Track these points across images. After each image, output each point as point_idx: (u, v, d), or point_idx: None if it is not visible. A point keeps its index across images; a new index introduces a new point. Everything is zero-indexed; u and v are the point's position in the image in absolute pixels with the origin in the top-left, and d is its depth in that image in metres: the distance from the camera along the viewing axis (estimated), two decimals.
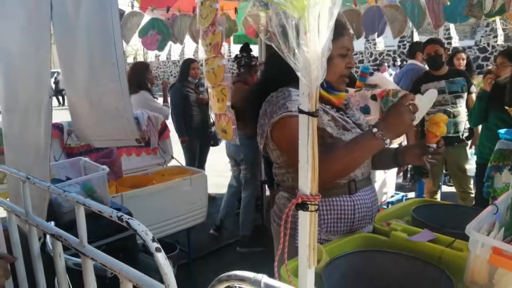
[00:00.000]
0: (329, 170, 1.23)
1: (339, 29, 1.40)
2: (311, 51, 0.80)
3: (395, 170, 3.73)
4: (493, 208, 1.17)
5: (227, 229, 3.94)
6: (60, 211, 1.95)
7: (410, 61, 4.68)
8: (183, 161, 4.27)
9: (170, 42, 4.10)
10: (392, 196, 3.73)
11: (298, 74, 0.81)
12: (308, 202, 0.89)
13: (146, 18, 3.96)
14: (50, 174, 1.99)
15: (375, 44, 15.72)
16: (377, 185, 3.45)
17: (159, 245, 0.78)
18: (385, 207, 3.48)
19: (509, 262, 0.94)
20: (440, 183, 4.21)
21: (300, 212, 0.91)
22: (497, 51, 11.89)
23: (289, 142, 1.27)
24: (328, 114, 1.40)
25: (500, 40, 12.94)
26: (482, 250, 1.00)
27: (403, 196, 3.85)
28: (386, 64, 11.54)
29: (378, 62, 13.12)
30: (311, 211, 0.90)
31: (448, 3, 2.54)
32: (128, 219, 0.83)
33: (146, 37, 3.94)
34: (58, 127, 2.90)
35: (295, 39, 0.79)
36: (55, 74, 16.22)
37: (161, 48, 3.90)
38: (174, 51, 23.61)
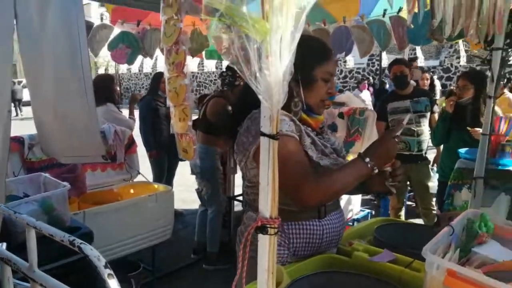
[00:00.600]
0: (327, 191, 1.27)
1: (326, 54, 1.42)
2: (273, 74, 0.80)
3: None
4: (449, 230, 1.19)
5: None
6: (14, 230, 1.86)
7: None
8: (150, 176, 4.19)
9: (140, 56, 4.07)
10: (358, 213, 3.78)
11: (260, 97, 0.82)
12: (268, 226, 0.89)
13: (116, 31, 3.91)
14: (7, 190, 1.92)
15: (345, 61, 16.10)
16: (342, 202, 3.48)
17: (111, 272, 0.75)
18: (351, 224, 3.52)
19: (463, 284, 0.96)
20: (405, 200, 4.30)
21: (260, 236, 0.90)
22: (460, 71, 12.40)
23: (283, 159, 1.18)
24: (310, 137, 1.40)
25: (463, 61, 13.52)
26: (437, 272, 1.01)
27: (368, 212, 3.90)
28: (366, 81, 11.74)
29: (358, 79, 13.39)
30: (270, 234, 0.89)
31: (412, 26, 2.63)
32: (81, 243, 0.80)
33: (115, 50, 3.89)
34: (19, 141, 2.79)
35: (257, 63, 0.79)
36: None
37: (130, 61, 3.85)
38: (147, 64, 23.41)
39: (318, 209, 1.43)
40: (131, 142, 3.38)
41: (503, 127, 2.82)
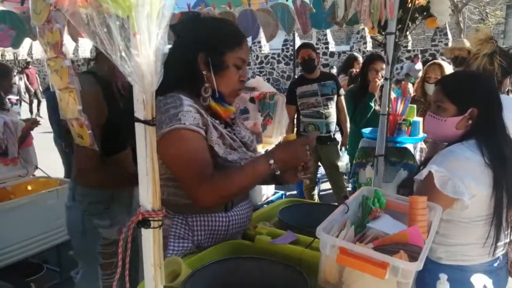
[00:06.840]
0: (223, 193, 1.24)
1: (238, 39, 1.35)
2: (142, 54, 0.73)
3: None
4: (343, 208, 1.23)
5: None
6: None
7: None
8: (57, 171, 3.88)
9: (29, 39, 3.64)
10: (273, 195, 3.84)
11: (129, 79, 0.74)
12: (151, 219, 0.82)
13: None
14: None
15: (260, 47, 16.27)
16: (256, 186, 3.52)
17: None
18: (266, 205, 3.57)
19: (354, 261, 0.98)
20: (317, 180, 4.47)
21: (143, 230, 0.84)
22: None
23: (182, 156, 1.23)
24: (217, 131, 1.32)
25: (369, 46, 14.35)
26: (331, 251, 1.03)
27: (282, 194, 3.99)
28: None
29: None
30: (154, 227, 0.83)
31: (314, 11, 2.68)
32: None
33: None
34: None
35: (122, 41, 0.72)
36: None
37: (16, 44, 3.44)
38: (38, 48, 21.38)
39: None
40: (26, 134, 3.07)
41: (399, 107, 3.01)
